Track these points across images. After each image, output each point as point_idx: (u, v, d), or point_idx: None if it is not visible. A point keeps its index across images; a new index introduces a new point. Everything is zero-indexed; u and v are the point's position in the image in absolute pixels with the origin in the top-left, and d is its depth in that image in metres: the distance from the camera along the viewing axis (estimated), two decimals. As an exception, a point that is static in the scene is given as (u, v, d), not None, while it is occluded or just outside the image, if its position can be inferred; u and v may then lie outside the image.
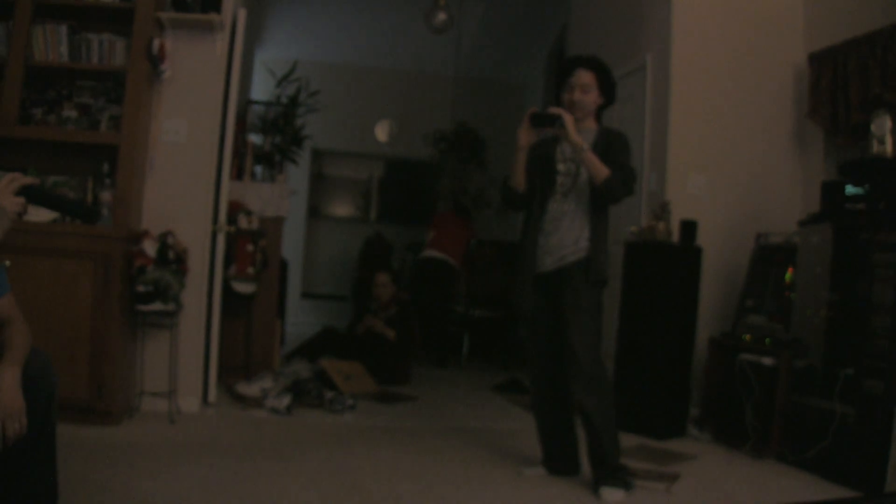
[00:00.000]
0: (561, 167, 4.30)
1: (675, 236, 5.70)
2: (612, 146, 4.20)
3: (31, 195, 2.42)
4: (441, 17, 9.15)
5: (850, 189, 5.05)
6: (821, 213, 5.25)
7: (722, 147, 6.16)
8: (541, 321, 4.37)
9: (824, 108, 5.86)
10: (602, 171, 4.04)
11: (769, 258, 5.59)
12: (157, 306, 4.95)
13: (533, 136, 4.23)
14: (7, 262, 2.60)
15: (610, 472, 4.13)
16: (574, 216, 4.22)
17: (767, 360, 5.05)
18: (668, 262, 5.61)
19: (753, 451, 5.02)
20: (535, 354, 4.43)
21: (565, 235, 4.22)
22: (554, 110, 4.11)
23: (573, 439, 4.49)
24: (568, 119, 4.06)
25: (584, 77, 4.29)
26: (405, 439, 5.04)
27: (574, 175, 4.25)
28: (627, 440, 5.23)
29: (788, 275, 5.40)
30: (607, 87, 4.35)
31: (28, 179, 2.41)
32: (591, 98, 4.29)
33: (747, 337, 5.34)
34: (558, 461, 4.45)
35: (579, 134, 4.10)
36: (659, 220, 5.71)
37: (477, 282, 9.13)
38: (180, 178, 5.33)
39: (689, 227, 5.66)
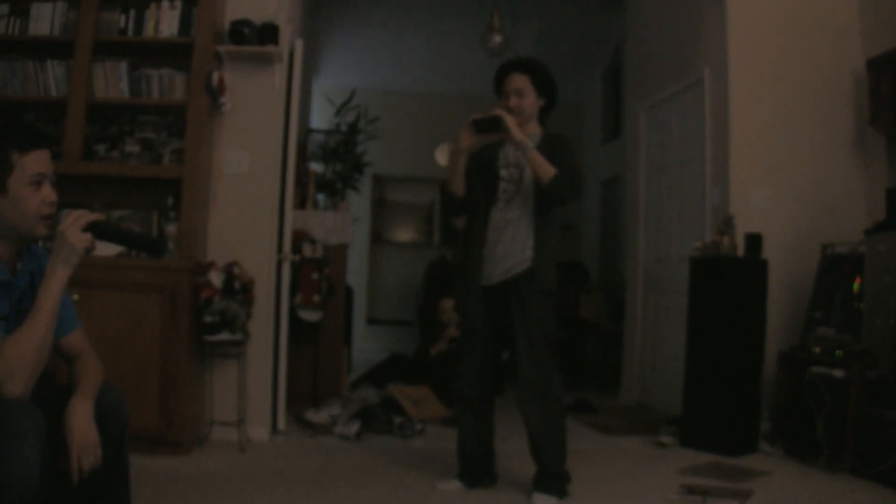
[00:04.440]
0: (504, 173, 4.22)
1: (740, 250, 5.61)
2: (556, 149, 4.10)
3: (98, 231, 2.44)
4: (496, 39, 9.14)
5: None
6: (887, 221, 5.13)
7: (784, 158, 6.05)
8: (482, 335, 4.26)
9: (885, 114, 5.72)
10: (548, 169, 3.95)
11: (836, 269, 5.48)
12: (224, 336, 4.98)
13: (475, 139, 4.14)
14: (75, 297, 2.62)
15: (547, 479, 4.12)
16: (518, 224, 4.13)
17: (838, 373, 4.93)
18: (735, 276, 5.51)
19: (827, 465, 4.89)
20: (468, 369, 4.31)
21: (510, 245, 4.12)
22: (494, 112, 4.04)
23: (492, 453, 4.45)
24: (508, 119, 4.00)
25: (518, 81, 4.21)
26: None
27: (517, 181, 4.17)
28: (699, 458, 5.16)
29: (856, 285, 5.28)
30: (545, 88, 4.26)
31: (94, 216, 2.43)
32: (529, 102, 4.20)
33: (817, 349, 5.22)
34: (476, 475, 4.38)
35: (530, 142, 4.03)
36: (723, 235, 5.63)
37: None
38: (244, 208, 5.38)
39: (754, 241, 5.56)
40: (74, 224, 2.37)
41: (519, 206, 4.15)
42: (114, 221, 2.30)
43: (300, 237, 6.14)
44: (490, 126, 4.05)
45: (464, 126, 4.12)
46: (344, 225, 6.80)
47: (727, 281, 5.51)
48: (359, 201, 11.24)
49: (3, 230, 2.41)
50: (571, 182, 4.01)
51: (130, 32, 5.09)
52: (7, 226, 2.40)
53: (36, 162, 2.41)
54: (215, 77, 5.08)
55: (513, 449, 4.67)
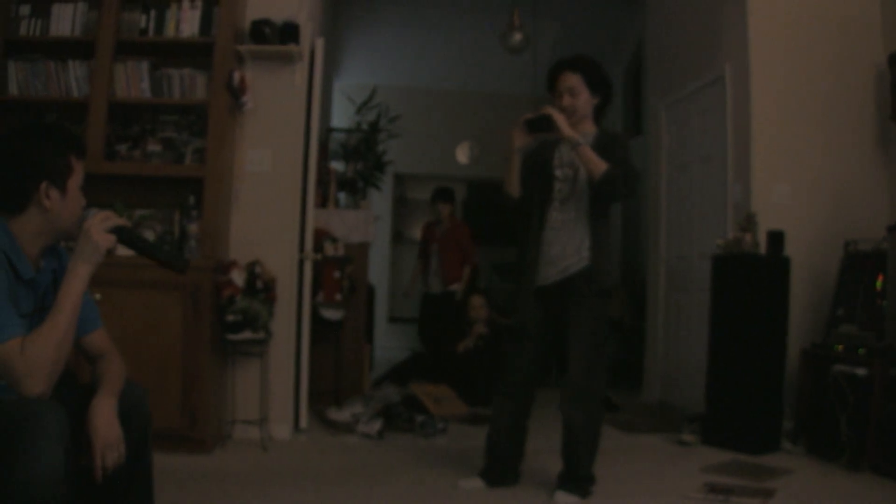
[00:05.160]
0: (558, 173, 4.20)
1: (763, 247, 5.58)
2: (610, 146, 4.05)
3: (124, 236, 2.46)
4: (517, 37, 9.14)
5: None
6: (910, 217, 5.10)
7: (806, 155, 6.01)
8: (532, 336, 4.25)
9: (907, 109, 5.70)
10: (599, 165, 3.90)
11: (859, 266, 5.44)
12: (246, 335, 5.00)
13: (527, 139, 4.14)
14: (97, 296, 2.63)
15: (574, 479, 4.12)
16: (575, 224, 4.11)
17: (861, 371, 4.89)
18: (757, 273, 5.49)
19: (849, 463, 4.85)
20: (513, 368, 4.29)
21: (567, 245, 4.11)
22: (544, 111, 4.02)
23: (522, 454, 4.43)
24: (558, 117, 3.98)
25: (570, 79, 4.15)
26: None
27: (572, 181, 4.14)
28: (721, 456, 5.14)
29: (879, 282, 5.24)
30: (598, 86, 4.20)
31: (121, 221, 2.46)
32: (582, 100, 4.15)
33: (839, 347, 5.19)
34: (501, 473, 4.37)
35: (581, 138, 4.00)
36: (745, 232, 5.60)
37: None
38: (265, 207, 5.40)
39: (776, 238, 5.53)
40: (101, 224, 2.40)
41: (574, 206, 4.13)
42: (139, 232, 2.31)
43: (322, 236, 6.15)
44: (541, 125, 4.04)
45: (516, 126, 4.12)
46: (365, 223, 6.82)
47: (749, 278, 5.48)
48: (380, 200, 11.25)
49: (50, 229, 2.48)
50: (625, 178, 3.96)
51: (151, 32, 5.11)
52: (57, 225, 2.49)
53: (83, 167, 2.54)
54: (237, 76, 5.10)
55: (536, 447, 4.64)
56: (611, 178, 3.91)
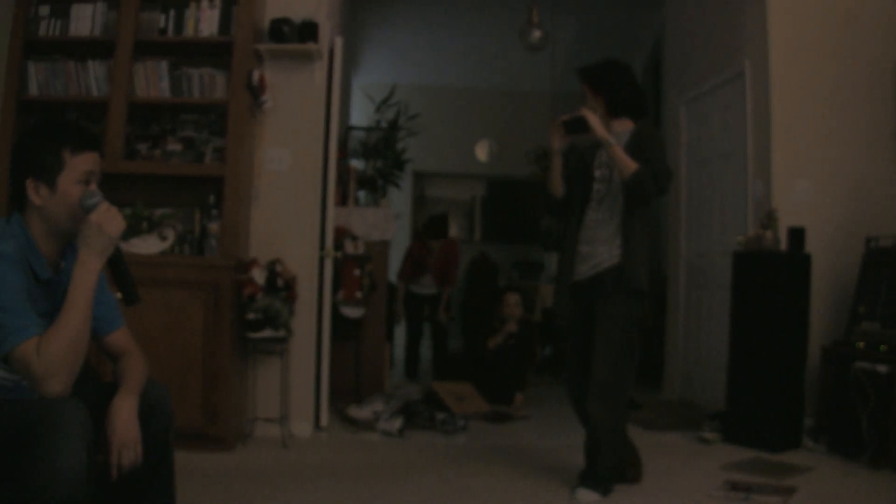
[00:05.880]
0: (597, 173, 4.26)
1: (783, 244, 5.55)
2: (642, 144, 4.09)
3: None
4: (536, 34, 9.11)
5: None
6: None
7: (826, 151, 5.98)
8: (576, 331, 4.32)
9: (926, 105, 5.66)
10: (629, 165, 3.94)
11: (880, 262, 5.40)
12: (267, 333, 5.02)
13: (565, 140, 4.19)
14: (118, 295, 2.64)
15: (594, 476, 4.13)
16: (608, 223, 4.17)
17: (882, 368, 4.86)
18: (777, 270, 5.46)
19: (871, 461, 4.83)
20: (569, 367, 4.37)
21: (600, 243, 4.17)
22: (579, 112, 4.09)
23: (627, 440, 4.40)
24: (590, 116, 4.04)
25: (585, 88, 4.25)
26: (518, 459, 4.99)
27: (608, 180, 4.19)
28: (742, 453, 5.12)
29: (900, 279, 5.22)
30: (599, 88, 4.21)
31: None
32: (600, 104, 4.19)
33: (860, 344, 5.16)
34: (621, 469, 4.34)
35: (612, 138, 4.03)
36: (766, 229, 5.58)
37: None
38: (286, 205, 5.42)
39: (796, 235, 5.50)
40: (109, 211, 2.40)
41: (608, 206, 4.19)
42: (119, 251, 2.31)
43: (342, 234, 6.16)
44: (577, 126, 4.10)
45: (553, 127, 4.19)
46: (385, 221, 6.82)
47: (770, 275, 5.46)
48: (400, 198, 11.25)
49: (49, 228, 2.46)
50: (656, 178, 3.99)
51: (170, 32, 5.13)
52: (54, 223, 2.46)
53: (85, 162, 2.47)
54: (256, 75, 5.11)
55: (560, 443, 4.64)
56: (639, 178, 3.94)
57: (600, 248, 4.16)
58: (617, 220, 4.14)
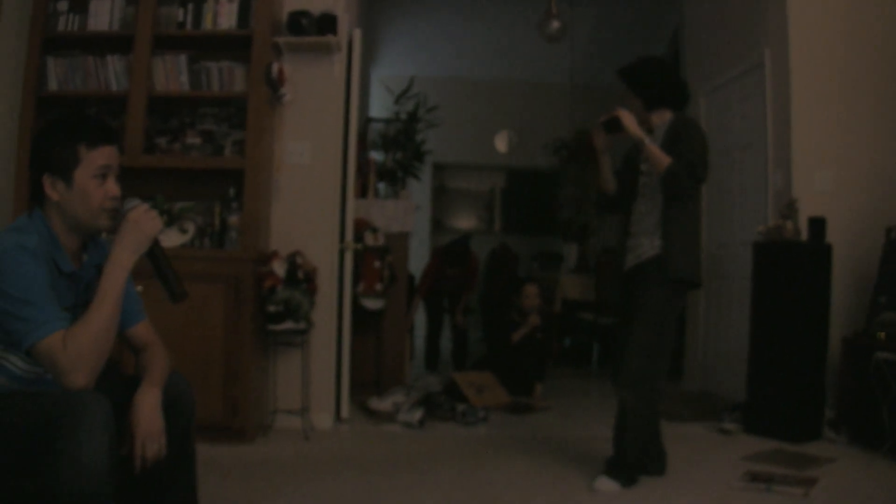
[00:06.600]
0: (643, 167, 4.32)
1: (804, 234, 5.53)
2: (678, 136, 4.15)
3: (155, 245, 2.50)
4: (555, 25, 9.08)
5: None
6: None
7: (847, 141, 5.94)
8: (624, 320, 4.35)
9: (948, 94, 5.61)
10: (662, 161, 4.03)
11: (901, 252, 5.38)
12: (288, 325, 5.03)
13: (605, 139, 4.30)
14: (139, 288, 2.66)
15: (618, 465, 4.15)
16: (651, 214, 4.23)
17: (903, 358, 4.85)
18: (798, 261, 5.44)
19: (892, 452, 4.80)
20: (621, 356, 4.35)
21: (644, 234, 4.25)
22: (614, 112, 4.18)
23: (656, 434, 4.42)
24: (623, 115, 4.13)
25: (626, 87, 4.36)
26: (539, 450, 4.99)
27: (652, 174, 4.23)
28: (763, 444, 5.11)
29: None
30: (638, 88, 4.31)
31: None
32: (636, 104, 4.29)
33: (881, 335, 5.12)
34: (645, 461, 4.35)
35: (651, 135, 4.16)
36: (786, 219, 5.56)
37: (604, 290, 8.99)
38: (306, 198, 5.43)
39: (817, 225, 5.48)
40: (149, 217, 2.43)
41: (651, 198, 4.25)
42: (162, 251, 2.32)
43: (362, 226, 6.16)
44: (615, 125, 4.19)
45: (594, 128, 4.31)
46: (405, 213, 6.82)
47: (791, 266, 5.44)
48: (419, 189, 11.24)
49: (68, 222, 2.47)
50: (690, 171, 4.04)
51: (189, 26, 5.15)
52: (72, 218, 2.47)
53: (102, 157, 2.47)
54: (275, 68, 5.12)
55: (593, 434, 4.63)
56: (671, 173, 4.01)
57: (643, 239, 4.24)
58: (658, 211, 4.20)
